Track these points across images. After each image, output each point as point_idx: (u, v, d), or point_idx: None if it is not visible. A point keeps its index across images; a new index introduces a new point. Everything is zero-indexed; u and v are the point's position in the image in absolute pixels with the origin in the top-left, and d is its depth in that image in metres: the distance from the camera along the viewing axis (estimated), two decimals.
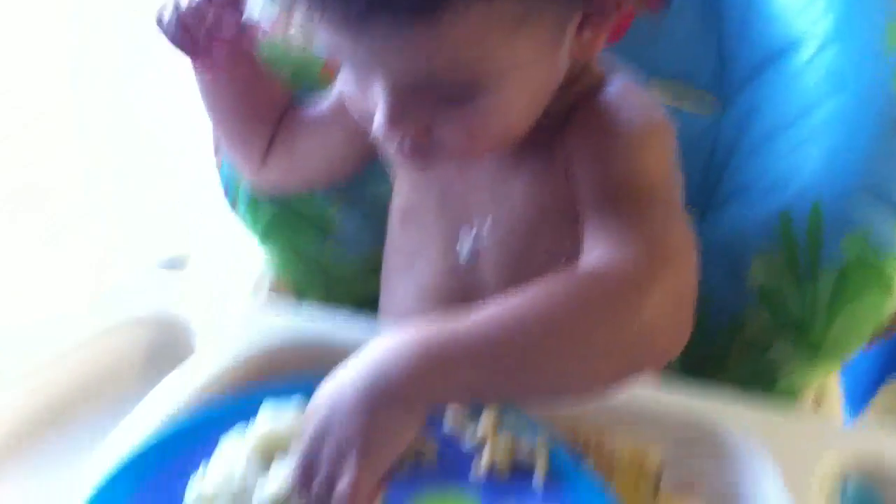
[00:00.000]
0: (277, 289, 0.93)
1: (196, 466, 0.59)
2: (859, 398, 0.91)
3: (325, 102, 0.84)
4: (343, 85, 0.68)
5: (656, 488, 0.63)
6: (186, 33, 0.73)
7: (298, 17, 0.60)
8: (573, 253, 0.68)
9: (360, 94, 0.65)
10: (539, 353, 0.55)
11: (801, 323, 0.79)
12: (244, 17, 0.72)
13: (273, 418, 0.60)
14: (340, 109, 0.79)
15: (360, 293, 0.95)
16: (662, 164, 0.67)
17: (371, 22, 0.55)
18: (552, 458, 0.61)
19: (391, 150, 0.67)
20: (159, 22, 0.75)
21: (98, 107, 1.28)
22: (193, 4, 0.73)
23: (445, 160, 0.68)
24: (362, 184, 0.91)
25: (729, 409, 0.67)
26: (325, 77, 0.87)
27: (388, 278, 0.87)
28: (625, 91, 0.70)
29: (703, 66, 0.93)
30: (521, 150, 0.70)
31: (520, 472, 0.61)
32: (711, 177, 0.92)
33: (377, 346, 0.55)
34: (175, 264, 0.87)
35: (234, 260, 0.95)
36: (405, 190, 0.83)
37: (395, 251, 0.86)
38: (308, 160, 0.86)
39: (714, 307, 0.86)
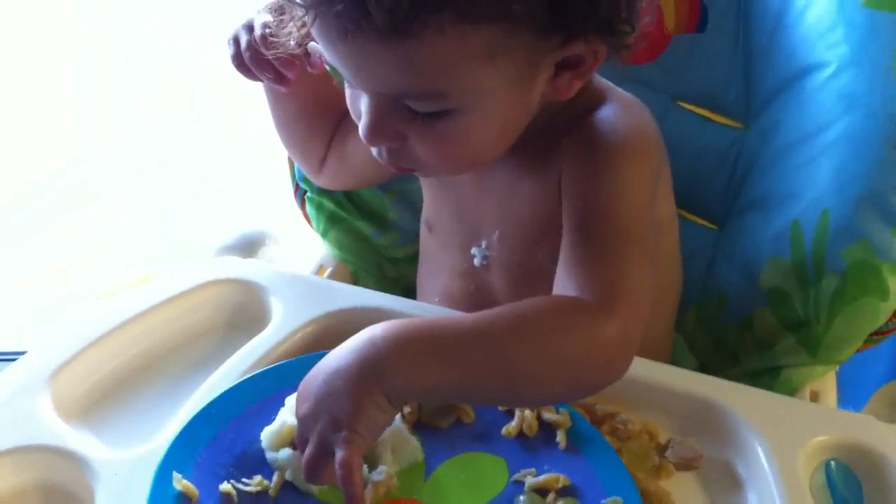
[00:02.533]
0: (336, 275, 1.03)
1: (269, 415, 0.68)
2: (854, 401, 0.99)
3: None
4: (345, 93, 0.75)
5: (662, 459, 0.72)
6: (259, 59, 0.79)
7: (296, 34, 0.71)
8: None
9: (353, 102, 0.72)
10: (502, 358, 0.62)
11: (804, 323, 0.88)
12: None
13: None
14: None
15: (407, 277, 1.05)
16: (642, 193, 0.73)
17: (351, 39, 0.62)
18: (573, 426, 0.71)
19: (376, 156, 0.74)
20: (234, 55, 0.81)
21: (98, 107, 1.34)
22: (265, 32, 0.77)
23: (421, 172, 0.75)
24: (409, 180, 1.01)
25: (730, 393, 0.75)
26: None
27: (420, 278, 0.97)
28: (620, 109, 0.76)
29: (730, 84, 1.01)
30: (524, 165, 0.78)
31: (544, 436, 0.70)
32: (733, 186, 1.01)
33: (361, 338, 0.62)
34: (250, 243, 0.96)
35: (297, 248, 1.04)
36: (428, 200, 0.91)
37: (424, 254, 0.95)
38: (357, 162, 0.92)
39: (730, 306, 0.95)
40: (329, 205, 1.02)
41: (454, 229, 0.88)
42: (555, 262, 0.78)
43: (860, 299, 0.85)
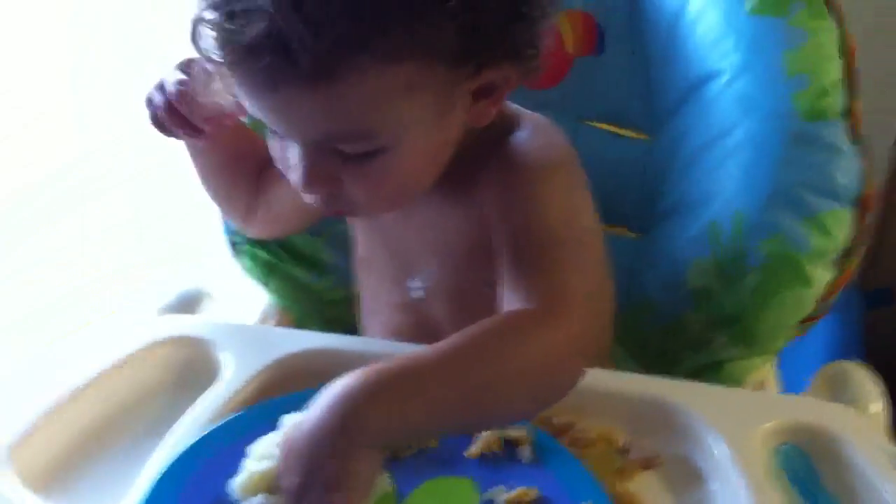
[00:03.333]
0: (281, 322, 1.03)
1: (232, 467, 0.68)
2: (794, 386, 1.03)
3: None
4: (268, 144, 0.76)
5: (624, 461, 0.74)
6: (175, 117, 0.79)
7: (219, 85, 0.72)
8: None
9: (280, 153, 0.74)
10: (472, 384, 0.63)
11: (734, 319, 0.92)
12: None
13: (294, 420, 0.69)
14: None
15: (347, 318, 1.05)
16: (567, 203, 0.76)
17: (277, 88, 0.64)
18: (534, 439, 0.72)
19: (312, 203, 0.75)
20: (151, 116, 0.81)
21: (98, 107, 1.31)
22: (181, 90, 0.77)
23: (358, 213, 0.77)
24: (339, 221, 1.01)
25: (679, 391, 0.78)
26: None
27: (363, 316, 0.98)
28: (532, 131, 0.79)
29: (633, 100, 1.07)
30: (447, 196, 0.80)
31: (508, 453, 0.71)
32: (648, 195, 1.05)
33: (335, 394, 0.61)
34: (189, 301, 0.96)
35: (240, 297, 1.04)
36: (360, 240, 0.92)
37: (364, 292, 0.96)
38: (282, 211, 0.94)
39: (658, 312, 0.98)
40: (263, 254, 1.02)
41: (388, 265, 0.89)
42: (491, 286, 0.80)
43: (783, 291, 0.90)
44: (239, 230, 0.99)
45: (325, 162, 0.70)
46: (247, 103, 0.68)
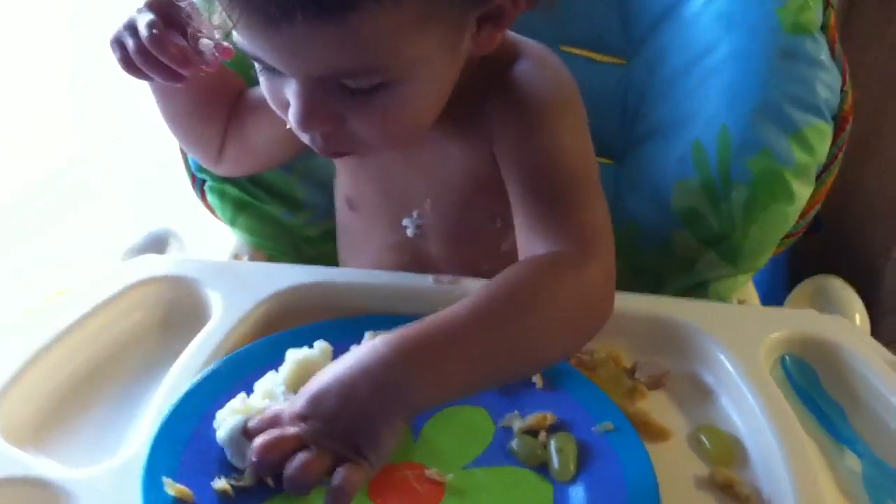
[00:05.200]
0: (254, 258, 0.99)
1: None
2: (773, 303, 1.05)
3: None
4: (261, 82, 0.72)
5: (633, 381, 0.74)
6: (150, 60, 0.73)
7: (217, 18, 0.66)
8: (505, 213, 0.77)
9: (274, 91, 0.70)
10: (510, 335, 0.62)
11: (722, 236, 0.91)
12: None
13: (299, 357, 0.67)
14: None
15: (326, 255, 1.02)
16: (579, 139, 0.75)
17: (286, 21, 0.59)
18: None
19: (308, 144, 0.71)
20: (122, 58, 0.75)
21: (98, 107, 1.29)
22: (154, 33, 0.72)
23: (359, 152, 0.73)
24: (312, 157, 0.97)
25: (682, 308, 0.78)
26: None
27: (344, 255, 0.95)
28: (537, 64, 0.77)
29: (608, 27, 1.04)
30: (448, 130, 0.77)
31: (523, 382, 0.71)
32: (627, 120, 1.03)
33: (370, 361, 0.58)
34: (156, 242, 0.92)
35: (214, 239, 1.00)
36: (347, 181, 0.89)
37: (345, 231, 0.93)
38: (258, 144, 0.90)
39: (644, 233, 0.97)
40: (233, 191, 0.98)
41: (381, 205, 0.86)
42: (490, 219, 0.81)
43: (770, 206, 0.90)
44: (208, 168, 0.94)
45: (327, 98, 0.66)
46: (245, 41, 0.64)
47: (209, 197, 0.99)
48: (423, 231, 0.85)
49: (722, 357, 0.73)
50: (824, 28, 0.90)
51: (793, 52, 0.88)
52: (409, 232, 0.85)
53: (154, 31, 0.71)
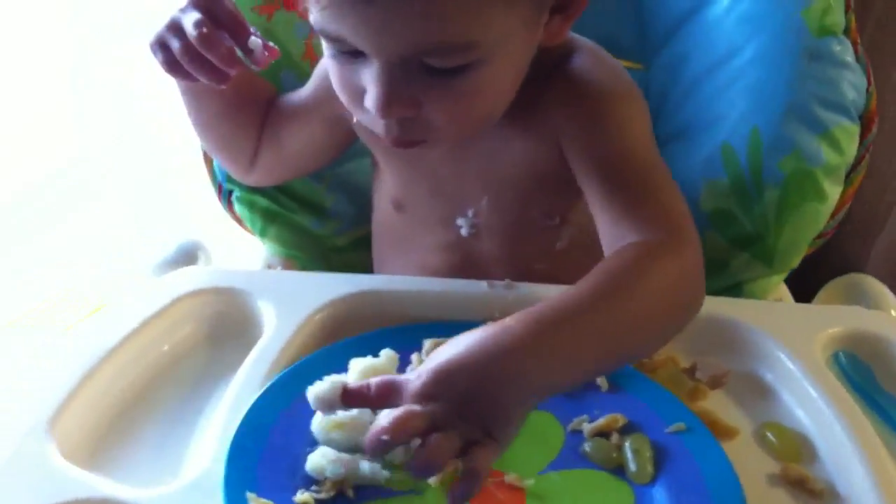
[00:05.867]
0: (286, 269, 0.98)
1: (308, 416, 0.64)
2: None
3: (305, 90, 0.88)
4: (331, 70, 0.71)
5: (694, 381, 0.74)
6: (199, 61, 0.70)
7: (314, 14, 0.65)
8: (564, 209, 0.78)
9: (349, 78, 0.69)
10: (622, 320, 0.61)
11: (755, 237, 0.92)
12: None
13: (365, 366, 0.66)
14: (321, 96, 0.84)
15: (356, 264, 1.01)
16: (647, 128, 0.76)
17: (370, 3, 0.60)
18: None
19: (381, 134, 0.70)
20: (167, 60, 0.72)
21: (98, 107, 1.27)
22: (204, 32, 0.69)
23: (433, 142, 0.71)
24: (341, 164, 0.97)
25: (734, 308, 0.78)
26: (307, 62, 0.92)
27: (383, 256, 0.94)
28: (593, 56, 0.78)
29: (626, 30, 1.04)
30: (511, 124, 0.76)
31: (584, 384, 0.70)
32: None
33: (501, 345, 0.56)
34: (187, 254, 0.90)
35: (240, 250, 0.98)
36: (395, 183, 0.87)
37: (388, 232, 0.92)
38: (294, 151, 0.89)
39: None
40: (262, 201, 0.96)
41: (433, 205, 0.85)
42: (548, 215, 0.81)
43: (802, 206, 0.90)
44: (237, 178, 0.92)
45: (408, 82, 0.65)
46: (330, 20, 0.63)
47: (237, 208, 0.97)
48: (478, 230, 0.84)
49: (780, 354, 0.73)
50: (847, 30, 0.91)
51: (819, 53, 0.90)
52: (464, 231, 0.84)
53: (203, 29, 0.69)
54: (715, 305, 0.77)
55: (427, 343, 0.71)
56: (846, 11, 0.92)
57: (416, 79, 0.65)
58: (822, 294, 0.96)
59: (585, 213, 0.78)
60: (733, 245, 0.93)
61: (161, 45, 0.73)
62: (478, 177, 0.82)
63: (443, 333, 0.71)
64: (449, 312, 0.75)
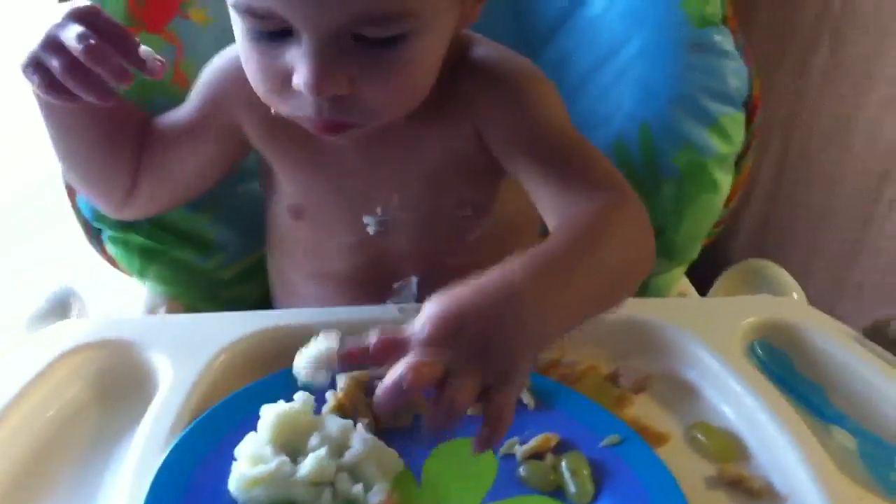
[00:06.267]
0: (172, 310, 0.90)
1: (223, 473, 0.59)
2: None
3: (187, 109, 0.82)
4: (249, 58, 0.68)
5: (618, 389, 0.71)
6: (84, 78, 0.64)
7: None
8: (476, 199, 0.77)
9: (270, 62, 0.65)
10: (607, 264, 0.63)
11: (656, 232, 0.90)
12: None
13: (279, 412, 0.61)
14: (208, 110, 0.80)
15: (245, 297, 0.95)
16: (562, 105, 0.76)
17: None
18: (533, 386, 0.68)
19: (309, 117, 0.67)
20: (46, 83, 0.65)
21: None
22: (92, 44, 0.62)
23: (363, 123, 0.69)
24: (226, 186, 0.90)
25: (647, 308, 0.76)
26: (175, 87, 0.86)
27: (282, 273, 0.88)
28: (495, 47, 0.77)
29: (504, 30, 1.01)
30: (421, 114, 0.73)
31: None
32: None
33: (505, 290, 0.56)
34: (60, 304, 0.81)
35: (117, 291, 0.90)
36: (293, 190, 0.83)
37: (286, 245, 0.87)
38: (181, 174, 0.83)
39: None
40: (138, 239, 0.88)
41: (337, 205, 0.81)
42: (459, 207, 0.79)
43: (699, 197, 0.90)
44: (110, 214, 0.84)
45: (341, 55, 0.62)
46: None
47: (110, 248, 0.89)
48: (386, 227, 0.81)
49: (699, 351, 0.72)
50: (725, 18, 0.91)
51: (702, 44, 0.90)
52: (371, 229, 0.81)
53: (91, 41, 0.62)
54: (630, 307, 0.76)
55: (341, 380, 0.66)
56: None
57: (349, 53, 0.63)
58: (721, 282, 0.96)
59: (498, 202, 0.80)
60: None
61: (37, 66, 0.65)
62: (389, 170, 0.79)
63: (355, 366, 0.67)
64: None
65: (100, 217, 0.87)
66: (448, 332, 0.53)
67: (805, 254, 1.44)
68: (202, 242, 0.91)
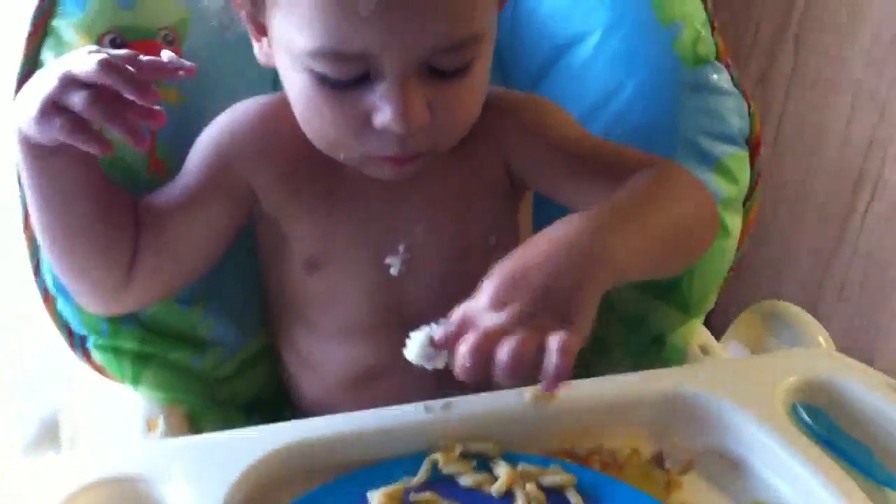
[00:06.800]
0: (174, 421, 0.83)
1: None
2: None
3: (188, 175, 0.77)
4: (316, 109, 0.68)
5: (665, 473, 0.67)
6: (119, 114, 0.61)
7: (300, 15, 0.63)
8: (500, 226, 0.80)
9: (344, 108, 0.66)
10: (674, 221, 0.70)
11: (669, 285, 0.88)
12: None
13: None
14: (215, 171, 0.77)
15: (242, 391, 0.90)
16: (575, 120, 0.83)
17: (393, 3, 0.60)
18: (578, 483, 0.64)
19: (389, 154, 0.69)
20: (75, 124, 0.61)
21: None
22: (130, 74, 0.60)
23: (434, 152, 0.71)
24: (215, 273, 0.84)
25: (686, 376, 0.73)
26: (153, 174, 0.81)
27: (296, 341, 0.84)
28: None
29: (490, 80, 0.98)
30: (456, 148, 0.75)
31: (555, 502, 0.63)
32: None
33: (571, 240, 0.61)
34: (50, 428, 0.75)
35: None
36: (309, 243, 0.79)
37: (299, 306, 0.82)
38: (187, 245, 0.78)
39: None
40: (129, 344, 0.80)
41: (358, 249, 0.79)
42: (484, 235, 0.80)
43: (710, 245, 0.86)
44: (101, 307, 0.78)
45: (421, 88, 0.65)
46: (340, 36, 0.62)
47: (98, 357, 0.81)
48: (411, 266, 0.79)
49: (743, 422, 0.68)
50: (718, 54, 0.88)
51: (699, 84, 0.86)
52: (394, 270, 0.78)
53: (129, 67, 0.61)
54: (661, 377, 0.72)
55: (371, 496, 0.62)
56: (713, 33, 0.89)
57: (426, 85, 0.66)
58: (738, 326, 0.93)
59: (520, 229, 0.84)
60: (648, 296, 0.88)
61: (57, 110, 0.61)
62: (412, 204, 0.78)
63: (386, 478, 0.63)
64: (387, 448, 0.66)
65: (86, 322, 0.80)
66: (507, 292, 0.58)
67: (779, 261, 1.43)
68: (195, 341, 0.84)
